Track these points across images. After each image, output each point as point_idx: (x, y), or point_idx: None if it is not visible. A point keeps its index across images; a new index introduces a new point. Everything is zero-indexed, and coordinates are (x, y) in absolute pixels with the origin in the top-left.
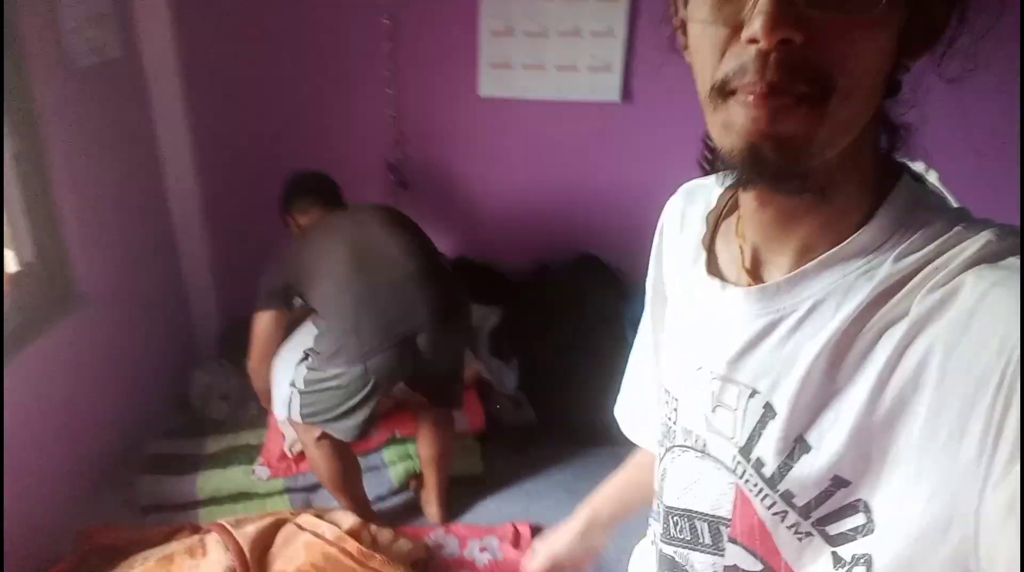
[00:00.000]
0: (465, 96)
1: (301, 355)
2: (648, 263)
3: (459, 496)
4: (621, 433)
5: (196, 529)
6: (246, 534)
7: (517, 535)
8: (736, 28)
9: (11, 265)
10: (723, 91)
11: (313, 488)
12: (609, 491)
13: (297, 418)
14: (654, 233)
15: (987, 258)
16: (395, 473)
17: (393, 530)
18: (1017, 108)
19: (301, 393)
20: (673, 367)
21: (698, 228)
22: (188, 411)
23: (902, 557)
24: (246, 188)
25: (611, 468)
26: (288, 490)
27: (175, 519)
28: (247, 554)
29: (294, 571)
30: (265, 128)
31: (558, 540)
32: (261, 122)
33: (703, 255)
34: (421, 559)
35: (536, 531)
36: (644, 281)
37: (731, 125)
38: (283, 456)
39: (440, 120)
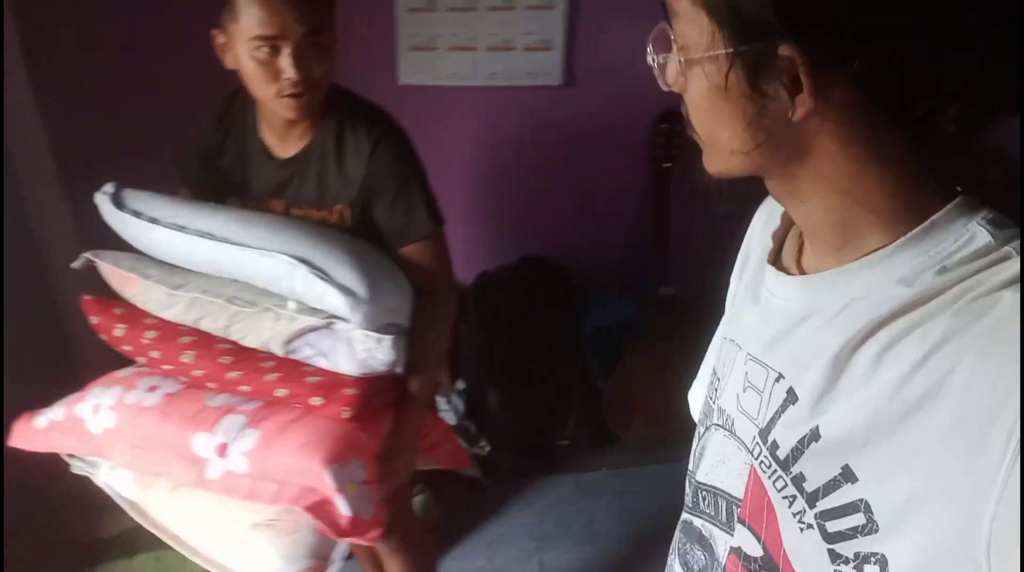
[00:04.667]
0: (382, 84)
1: None
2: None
3: None
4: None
5: None
6: None
7: None
8: None
9: None
10: None
11: None
12: None
13: None
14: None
15: None
16: None
17: None
18: None
19: None
20: (724, 349)
21: (778, 224)
22: None
23: (919, 561)
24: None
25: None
26: None
27: None
28: None
29: None
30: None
31: None
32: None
33: (771, 246)
34: None
35: None
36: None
37: None
38: None
39: None
